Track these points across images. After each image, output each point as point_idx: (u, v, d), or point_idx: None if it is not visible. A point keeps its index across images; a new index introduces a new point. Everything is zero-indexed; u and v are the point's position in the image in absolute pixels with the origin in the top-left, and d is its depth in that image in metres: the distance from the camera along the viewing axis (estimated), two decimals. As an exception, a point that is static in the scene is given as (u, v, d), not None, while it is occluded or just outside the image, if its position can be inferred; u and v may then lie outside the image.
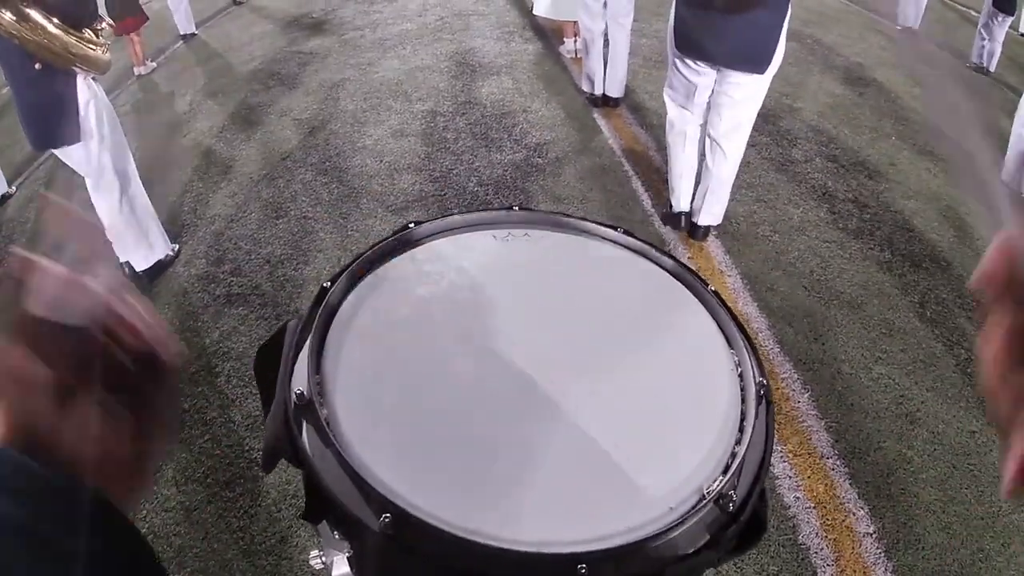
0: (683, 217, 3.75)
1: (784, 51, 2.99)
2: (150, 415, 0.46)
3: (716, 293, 1.08)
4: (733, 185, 3.55)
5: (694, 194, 3.67)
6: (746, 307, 3.30)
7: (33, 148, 3.01)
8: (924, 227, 3.95)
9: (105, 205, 3.21)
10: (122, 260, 3.44)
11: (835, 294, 3.40)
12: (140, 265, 3.47)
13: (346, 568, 0.96)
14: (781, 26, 2.88)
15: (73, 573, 0.36)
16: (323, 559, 0.99)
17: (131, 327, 0.44)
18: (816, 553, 2.29)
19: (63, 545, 0.36)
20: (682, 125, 3.46)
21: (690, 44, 3.09)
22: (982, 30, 6.28)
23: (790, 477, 2.54)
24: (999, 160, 4.14)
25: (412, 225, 1.19)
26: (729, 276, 3.51)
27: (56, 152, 3.04)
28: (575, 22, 5.72)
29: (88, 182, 3.13)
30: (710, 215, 3.64)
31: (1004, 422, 0.37)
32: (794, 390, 2.87)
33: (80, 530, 0.37)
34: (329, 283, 1.02)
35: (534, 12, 5.68)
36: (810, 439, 2.67)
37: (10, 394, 0.39)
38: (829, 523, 2.38)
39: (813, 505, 2.44)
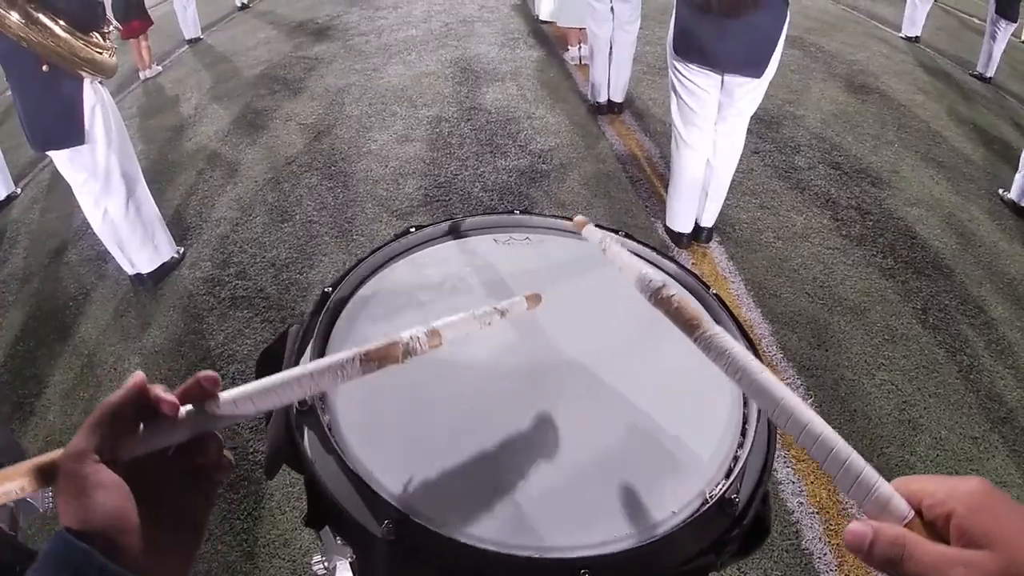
0: (684, 237, 3.75)
1: (782, 55, 3.00)
2: (197, 520, 0.54)
3: (718, 296, 1.08)
4: (736, 191, 3.56)
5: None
6: (749, 313, 3.30)
7: (34, 149, 3.01)
8: (927, 234, 3.95)
9: (112, 208, 3.22)
10: (125, 264, 3.46)
11: (838, 300, 3.39)
12: (145, 267, 3.49)
13: (348, 573, 0.96)
14: (780, 30, 2.89)
15: None
16: (326, 564, 0.99)
17: (218, 444, 0.54)
18: (819, 558, 2.28)
19: None
20: (692, 143, 3.40)
21: (691, 49, 3.09)
22: (988, 39, 6.28)
23: (793, 482, 2.53)
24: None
25: (413, 229, 1.20)
26: (732, 282, 3.51)
27: (54, 156, 3.04)
28: (580, 29, 5.74)
29: (92, 186, 3.14)
30: (710, 216, 3.67)
31: None
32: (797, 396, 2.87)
33: None
34: (331, 288, 1.03)
35: (539, 18, 5.69)
36: (813, 446, 2.67)
37: (84, 496, 0.43)
38: (832, 528, 2.37)
39: (816, 510, 2.43)
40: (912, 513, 0.43)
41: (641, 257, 1.20)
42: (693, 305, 0.64)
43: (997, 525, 0.39)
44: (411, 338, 0.62)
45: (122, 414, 0.48)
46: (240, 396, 0.53)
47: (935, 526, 0.42)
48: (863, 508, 0.45)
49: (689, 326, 0.63)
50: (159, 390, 0.50)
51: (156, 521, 0.48)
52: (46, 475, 0.47)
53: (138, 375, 0.50)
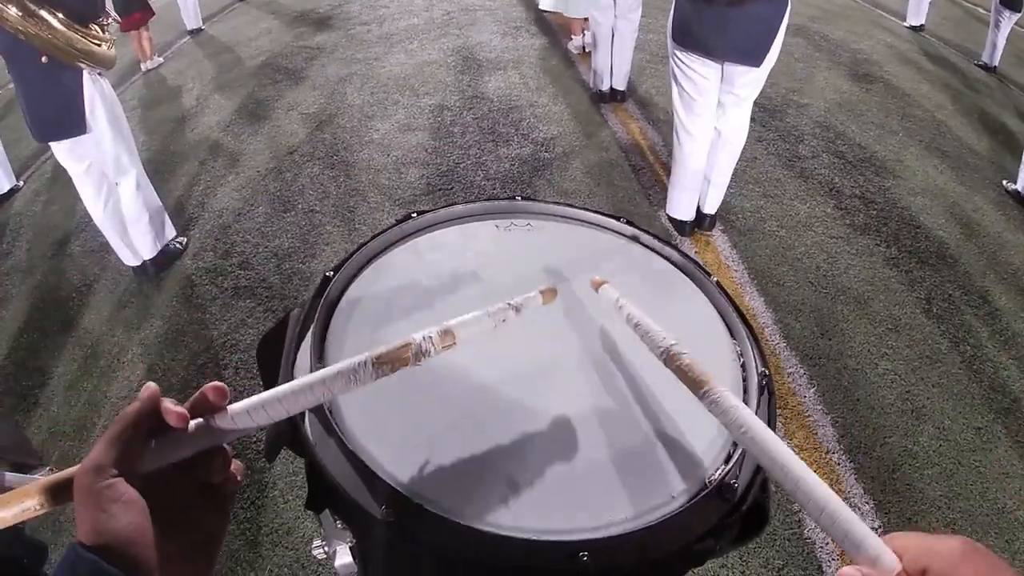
0: (687, 225, 3.75)
1: (785, 43, 2.98)
2: (210, 539, 0.56)
3: (718, 283, 1.08)
4: (740, 180, 3.55)
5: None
6: (752, 302, 3.30)
7: (35, 139, 3.02)
8: (930, 223, 3.93)
9: (112, 198, 3.23)
10: (126, 256, 3.47)
11: (841, 290, 3.39)
12: (147, 254, 3.49)
13: (348, 558, 0.96)
14: (781, 20, 2.87)
15: None
16: (326, 549, 0.99)
17: (226, 457, 0.54)
18: (821, 548, 2.29)
19: None
20: (693, 131, 3.39)
21: (691, 38, 3.08)
22: (993, 28, 6.24)
23: (795, 472, 2.53)
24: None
25: (414, 215, 1.19)
26: (735, 271, 3.51)
27: (55, 147, 3.05)
28: (583, 19, 5.71)
29: (96, 175, 3.15)
30: (713, 204, 3.67)
31: None
32: (800, 385, 2.87)
33: None
34: (332, 272, 1.03)
35: (541, 7, 5.67)
36: (816, 434, 2.67)
37: (101, 512, 0.44)
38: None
39: (818, 500, 2.43)
40: (900, 567, 0.44)
41: (641, 243, 1.20)
42: (701, 367, 0.67)
43: None
44: (424, 339, 0.61)
45: (139, 427, 0.48)
46: (251, 407, 0.53)
47: None
48: (856, 562, 0.46)
49: (696, 384, 0.66)
50: (168, 403, 0.50)
51: (172, 535, 0.48)
52: (63, 492, 0.47)
53: (151, 387, 0.50)
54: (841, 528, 0.47)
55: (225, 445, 0.54)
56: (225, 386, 0.53)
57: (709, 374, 0.65)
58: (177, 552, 0.49)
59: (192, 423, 0.51)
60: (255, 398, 0.54)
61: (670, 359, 0.70)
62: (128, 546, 0.43)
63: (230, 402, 0.53)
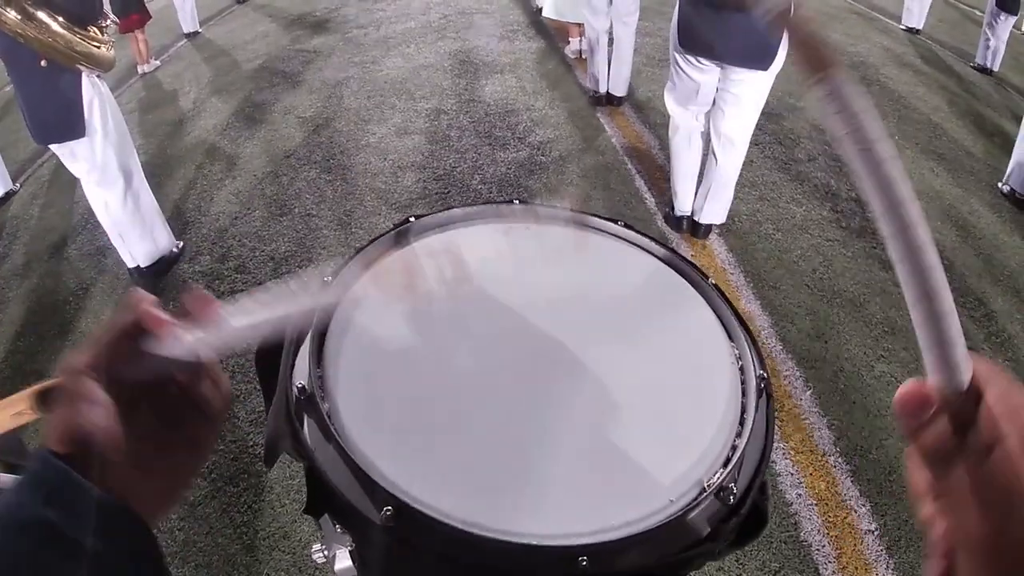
0: (685, 220, 3.75)
1: (787, 49, 2.99)
2: (195, 451, 0.55)
3: (716, 286, 1.08)
4: (736, 183, 3.55)
5: (695, 194, 3.67)
6: (748, 305, 3.30)
7: (35, 142, 3.02)
8: (927, 226, 3.93)
9: (110, 201, 3.22)
10: (126, 256, 3.46)
11: (837, 292, 3.39)
12: (144, 261, 3.48)
13: (348, 562, 0.96)
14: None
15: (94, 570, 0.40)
16: (325, 553, 0.99)
17: (211, 377, 0.53)
18: (818, 550, 2.29)
19: (90, 548, 0.40)
20: (685, 126, 3.45)
21: (694, 41, 3.08)
22: (986, 30, 6.26)
23: (792, 474, 2.54)
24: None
25: (413, 219, 1.19)
26: (732, 274, 3.51)
27: (56, 150, 3.05)
28: (580, 24, 5.72)
29: (92, 178, 3.14)
30: (713, 214, 3.65)
31: (929, 523, 0.41)
32: (796, 388, 2.87)
33: (111, 540, 0.41)
34: (329, 278, 1.03)
35: (543, 15, 5.69)
36: (812, 436, 2.67)
37: (72, 413, 0.43)
38: (831, 520, 2.38)
39: (815, 502, 2.44)
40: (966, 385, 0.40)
41: (639, 246, 1.20)
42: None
43: None
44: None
45: (122, 334, 0.47)
46: (239, 311, 0.52)
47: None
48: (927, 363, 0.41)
49: (819, 64, 0.43)
50: (155, 310, 0.49)
51: (148, 446, 0.48)
52: (49, 399, 0.47)
53: (142, 295, 0.49)
54: (936, 324, 0.40)
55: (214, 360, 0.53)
56: (210, 295, 0.52)
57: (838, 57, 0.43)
58: (152, 461, 0.48)
59: (180, 333, 0.50)
60: (240, 305, 0.52)
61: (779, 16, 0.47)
62: (93, 450, 0.43)
63: None
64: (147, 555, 0.44)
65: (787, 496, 2.46)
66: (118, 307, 0.49)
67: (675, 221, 3.79)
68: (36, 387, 0.48)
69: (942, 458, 0.40)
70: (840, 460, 2.59)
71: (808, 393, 2.85)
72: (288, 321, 0.53)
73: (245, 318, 0.52)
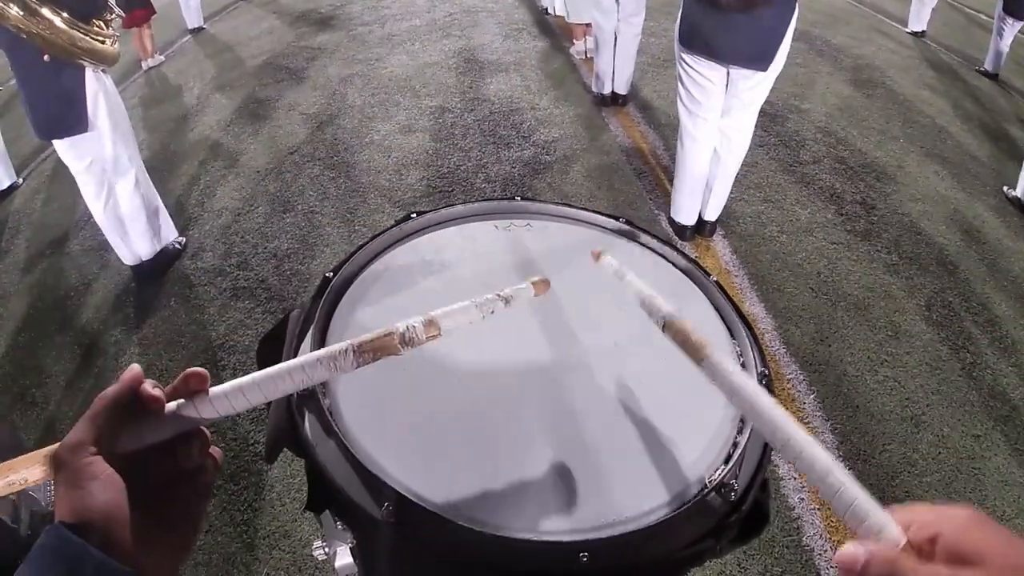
0: (688, 229, 3.74)
1: (789, 50, 2.98)
2: (190, 520, 0.55)
3: (718, 283, 1.08)
4: (741, 185, 3.55)
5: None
6: (752, 307, 3.29)
7: (38, 137, 3.02)
8: (931, 230, 3.93)
9: (115, 195, 3.23)
10: (125, 255, 3.46)
11: (842, 296, 3.38)
12: (147, 254, 3.48)
13: (349, 559, 0.96)
14: (787, 25, 2.87)
15: None
16: (326, 550, 0.99)
17: (203, 448, 0.54)
18: (820, 555, 2.28)
19: None
20: (697, 135, 3.38)
21: (697, 42, 3.08)
22: (995, 35, 6.25)
23: (794, 478, 2.53)
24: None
25: (414, 215, 1.19)
26: (736, 276, 3.50)
27: (57, 145, 3.04)
28: (585, 24, 5.72)
29: (98, 173, 3.14)
30: (713, 210, 3.66)
31: None
32: (800, 391, 2.87)
33: None
34: (331, 273, 1.02)
35: (546, 10, 5.68)
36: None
37: (79, 488, 0.44)
38: (833, 525, 2.37)
39: (817, 507, 2.43)
40: (905, 539, 0.43)
41: (640, 243, 1.19)
42: (700, 335, 0.64)
43: (988, 543, 0.40)
44: (407, 328, 0.60)
45: (119, 407, 0.48)
46: (231, 390, 0.53)
47: (921, 550, 0.43)
48: (858, 534, 0.45)
49: (696, 351, 0.63)
50: (148, 384, 0.50)
51: (150, 516, 0.49)
52: (49, 465, 0.48)
53: (134, 368, 0.50)
54: (844, 500, 0.46)
55: (205, 430, 0.54)
56: (205, 372, 0.53)
57: (707, 340, 0.63)
58: (154, 533, 0.49)
59: (171, 404, 0.51)
60: (235, 382, 0.54)
61: (667, 326, 0.68)
62: (106, 524, 0.44)
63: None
64: None
65: (790, 500, 2.45)
66: (116, 383, 0.50)
67: (679, 229, 3.78)
68: (38, 452, 0.49)
69: None
70: (843, 464, 2.58)
71: (811, 396, 2.84)
72: (272, 397, 0.56)
73: (235, 396, 0.54)
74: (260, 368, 1.05)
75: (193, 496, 0.55)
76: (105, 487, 0.45)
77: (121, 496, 0.46)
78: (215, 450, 0.56)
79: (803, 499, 2.45)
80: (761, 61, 2.96)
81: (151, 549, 0.48)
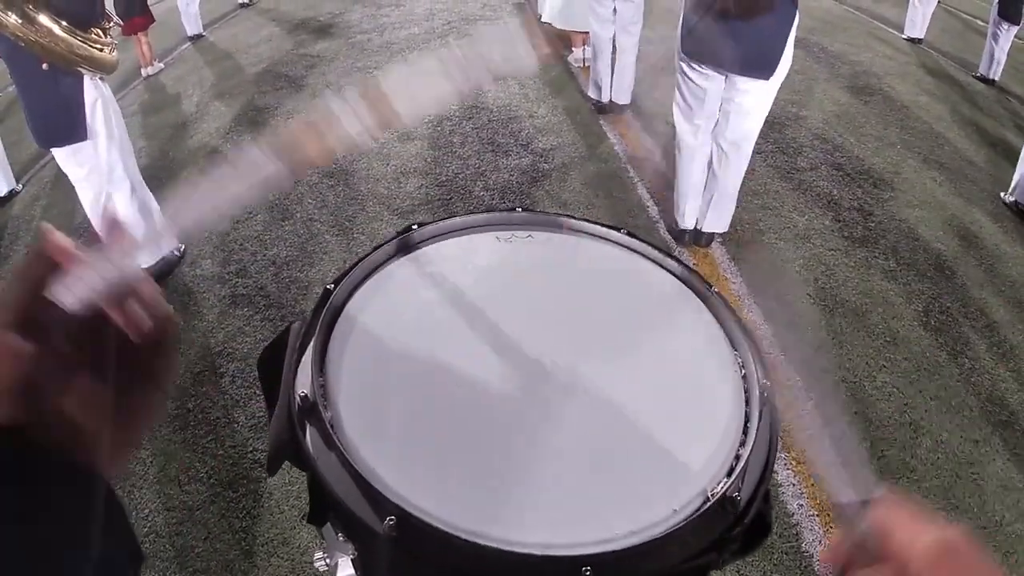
0: (688, 234, 3.75)
1: (791, 59, 2.99)
2: (148, 389, 0.50)
3: (719, 295, 1.08)
4: (738, 191, 3.55)
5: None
6: (750, 314, 3.30)
7: (39, 145, 3.02)
8: (929, 236, 3.94)
9: (118, 202, 3.23)
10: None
11: (839, 302, 3.39)
12: (146, 263, 3.48)
13: (350, 570, 0.96)
14: (788, 33, 2.88)
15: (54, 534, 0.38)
16: (327, 561, 0.99)
17: (146, 303, 0.47)
18: (819, 561, 2.28)
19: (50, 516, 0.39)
20: (692, 140, 3.40)
21: (698, 49, 3.09)
22: (991, 40, 6.27)
23: (794, 485, 2.53)
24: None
25: (415, 227, 1.19)
26: (733, 283, 3.51)
27: (56, 153, 3.04)
28: (583, 32, 5.73)
29: (97, 181, 3.14)
30: (715, 223, 3.64)
31: None
32: (797, 397, 2.86)
33: (69, 503, 0.40)
34: (332, 285, 1.02)
35: (542, 20, 5.69)
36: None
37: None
38: (833, 531, 2.37)
39: (816, 513, 2.43)
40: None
41: (642, 254, 1.20)
42: None
43: None
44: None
45: (25, 274, 0.44)
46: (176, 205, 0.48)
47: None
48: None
49: None
50: (58, 240, 0.44)
51: (91, 386, 0.44)
52: None
53: (52, 232, 0.45)
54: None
55: (151, 280, 0.49)
56: (120, 220, 0.48)
57: None
58: (103, 405, 0.44)
59: (94, 260, 0.45)
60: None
61: None
62: (6, 400, 0.40)
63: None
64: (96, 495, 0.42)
65: (789, 507, 2.45)
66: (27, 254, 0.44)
67: (678, 234, 3.79)
68: None
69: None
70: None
71: (809, 403, 2.83)
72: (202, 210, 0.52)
73: (185, 209, 0.50)
74: (262, 380, 1.06)
75: (149, 356, 0.49)
76: (3, 361, 0.41)
77: (25, 368, 0.41)
78: (160, 303, 0.49)
79: (802, 505, 2.45)
80: (763, 69, 2.97)
81: (97, 422, 0.44)
